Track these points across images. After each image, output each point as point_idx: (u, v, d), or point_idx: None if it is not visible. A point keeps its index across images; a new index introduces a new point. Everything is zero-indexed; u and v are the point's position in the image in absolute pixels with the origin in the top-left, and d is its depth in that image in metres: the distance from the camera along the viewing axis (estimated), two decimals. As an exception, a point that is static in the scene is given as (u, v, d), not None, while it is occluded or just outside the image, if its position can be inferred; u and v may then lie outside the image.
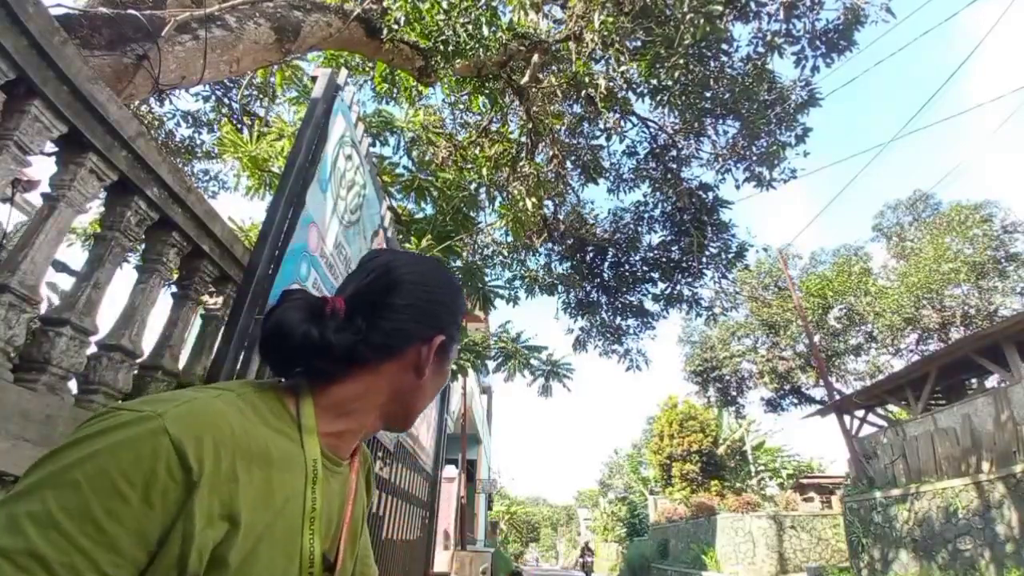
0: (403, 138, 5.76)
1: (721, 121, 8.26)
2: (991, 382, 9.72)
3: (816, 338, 17.22)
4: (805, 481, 21.42)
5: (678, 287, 9.20)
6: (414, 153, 5.73)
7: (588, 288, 9.64)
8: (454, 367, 4.89)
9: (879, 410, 13.33)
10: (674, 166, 8.89)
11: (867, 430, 12.87)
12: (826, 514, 16.13)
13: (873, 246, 22.57)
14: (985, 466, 7.95)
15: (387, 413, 0.71)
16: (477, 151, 7.01)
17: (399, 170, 4.53)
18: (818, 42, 6.71)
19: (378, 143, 5.20)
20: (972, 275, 17.07)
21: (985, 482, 7.60)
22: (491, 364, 5.21)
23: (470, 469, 19.46)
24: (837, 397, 14.46)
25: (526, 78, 6.23)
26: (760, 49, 7.12)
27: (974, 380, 10.78)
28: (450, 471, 12.21)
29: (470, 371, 6.27)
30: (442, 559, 11.10)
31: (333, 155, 1.68)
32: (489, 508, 28.70)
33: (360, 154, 2.05)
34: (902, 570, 8.94)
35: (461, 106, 7.99)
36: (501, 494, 38.27)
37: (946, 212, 19.30)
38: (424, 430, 5.32)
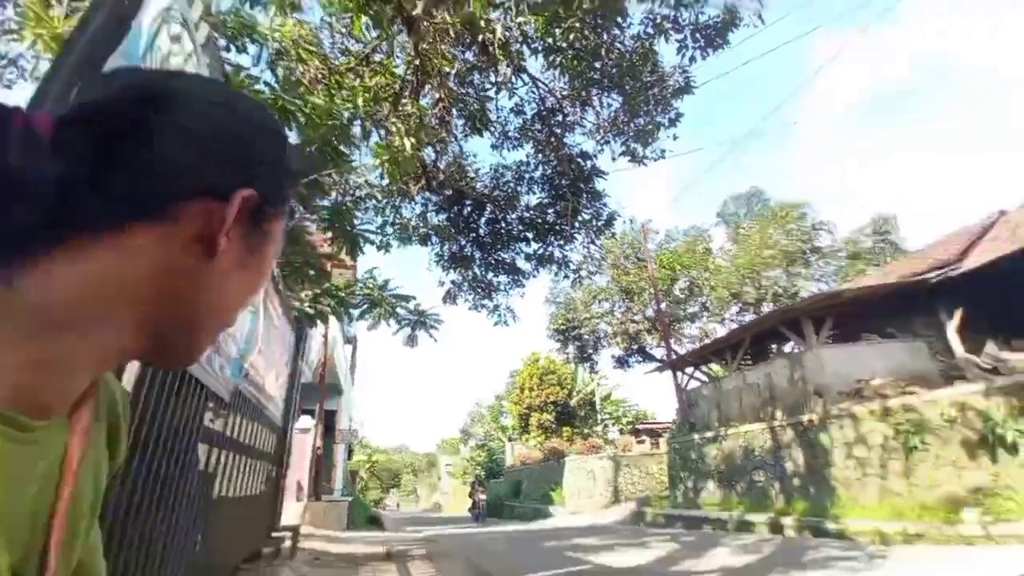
0: (267, 49, 5.00)
1: (606, 94, 8.53)
2: (789, 347, 11.80)
3: (663, 305, 19.30)
4: (640, 427, 24.47)
5: (550, 248, 9.56)
6: (279, 70, 5.02)
7: (463, 242, 9.58)
8: (311, 311, 4.53)
9: (704, 368, 15.51)
10: (558, 131, 9.04)
11: (693, 385, 14.93)
12: (654, 454, 18.63)
13: (716, 230, 25.73)
14: (779, 415, 9.72)
15: (153, 324, 0.40)
16: (355, 80, 6.39)
17: (259, 86, 3.92)
18: (699, 35, 7.16)
19: (234, 48, 4.44)
20: (784, 262, 20.50)
21: (778, 427, 9.32)
22: (355, 312, 4.93)
23: (329, 420, 18.88)
24: (674, 357, 16.47)
25: (419, 9, 5.75)
26: (649, 30, 7.41)
27: (776, 346, 12.99)
28: (305, 422, 11.67)
29: (332, 319, 5.90)
30: (294, 510, 10.72)
31: (151, 29, 1.33)
32: (349, 458, 28.34)
33: (196, 41, 1.68)
34: (708, 495, 10.72)
35: (343, 29, 7.19)
36: (363, 444, 37.96)
37: (773, 207, 22.78)
38: (273, 379, 4.92)
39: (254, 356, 4.05)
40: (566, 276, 10.21)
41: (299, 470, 11.11)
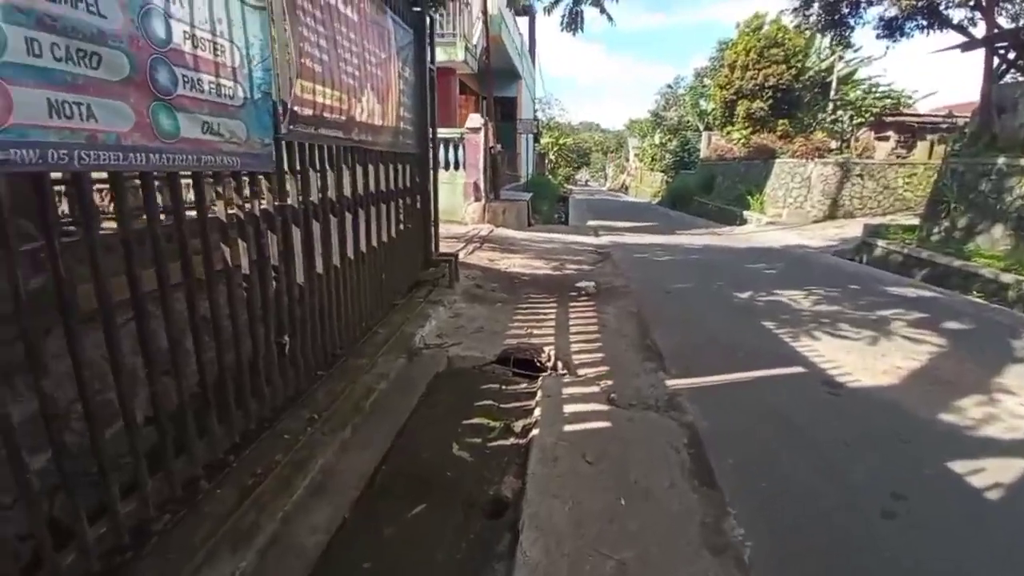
0: None
1: None
2: None
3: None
4: (889, 118, 18.70)
5: None
6: None
7: None
8: None
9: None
10: None
11: (1012, 79, 9.69)
12: (904, 162, 14.43)
13: None
14: None
15: None
16: None
17: None
18: None
19: None
20: None
21: None
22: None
23: (507, 109, 17.88)
24: (995, 31, 10.50)
25: None
26: None
27: None
28: (474, 120, 10.75)
29: None
30: (472, 212, 10.95)
31: None
32: (536, 142, 28.46)
33: None
34: (988, 243, 7.86)
35: None
36: (550, 126, 37.60)
37: None
38: (371, 100, 3.61)
39: (304, 83, 2.66)
40: None
41: (474, 172, 10.84)
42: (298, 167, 2.72)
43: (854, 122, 19.67)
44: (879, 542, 2.04)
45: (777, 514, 2.20)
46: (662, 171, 33.14)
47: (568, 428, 2.77)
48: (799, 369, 3.84)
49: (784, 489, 2.39)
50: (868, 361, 4.03)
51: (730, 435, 2.84)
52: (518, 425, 2.87)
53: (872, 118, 19.28)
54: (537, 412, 2.93)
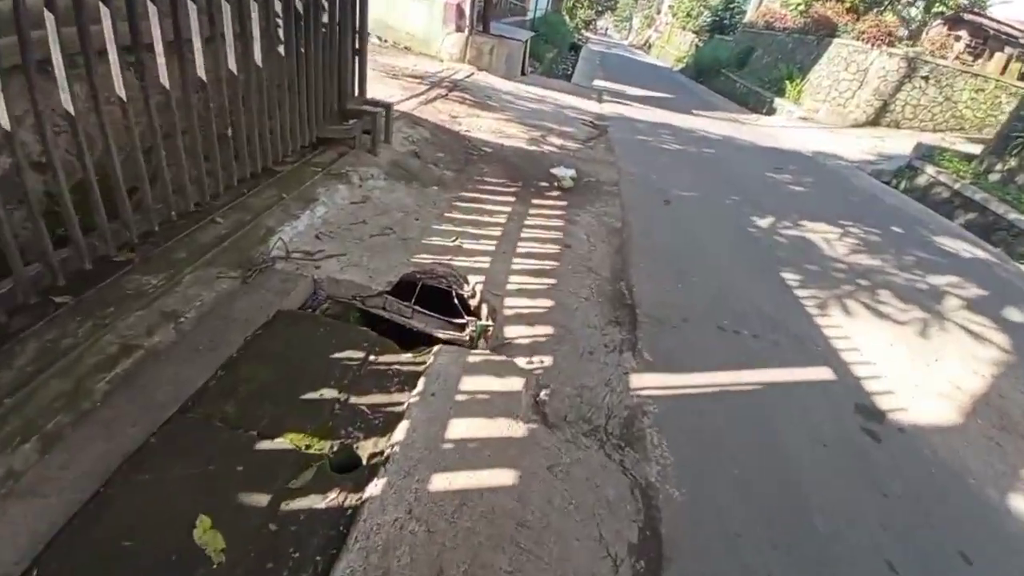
0: None
1: None
2: None
3: None
4: (968, 15, 15.49)
5: None
6: None
7: None
8: None
9: None
10: None
11: None
12: (977, 74, 12.02)
13: None
14: None
15: None
16: None
17: None
18: None
19: None
20: None
21: None
22: None
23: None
24: None
25: None
26: None
27: None
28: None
29: None
30: (451, 45, 8.64)
31: None
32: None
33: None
34: (1063, 201, 6.38)
35: None
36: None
37: None
38: None
39: None
40: None
41: (461, -12, 8.32)
42: None
43: (932, 11, 16.31)
44: None
45: None
46: (694, 31, 28.66)
47: (437, 483, 1.57)
48: (826, 374, 2.64)
49: None
50: (919, 369, 2.86)
51: (712, 524, 1.71)
52: (364, 447, 1.66)
53: (950, 11, 15.95)
54: (400, 431, 1.71)
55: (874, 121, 12.45)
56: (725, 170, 6.41)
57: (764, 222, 4.66)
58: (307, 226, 2.89)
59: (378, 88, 5.91)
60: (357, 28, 3.79)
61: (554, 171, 4.73)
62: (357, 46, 3.88)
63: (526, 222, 3.62)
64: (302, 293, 2.49)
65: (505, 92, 7.89)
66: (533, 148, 5.44)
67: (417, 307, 2.62)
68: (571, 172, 4.75)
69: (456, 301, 2.74)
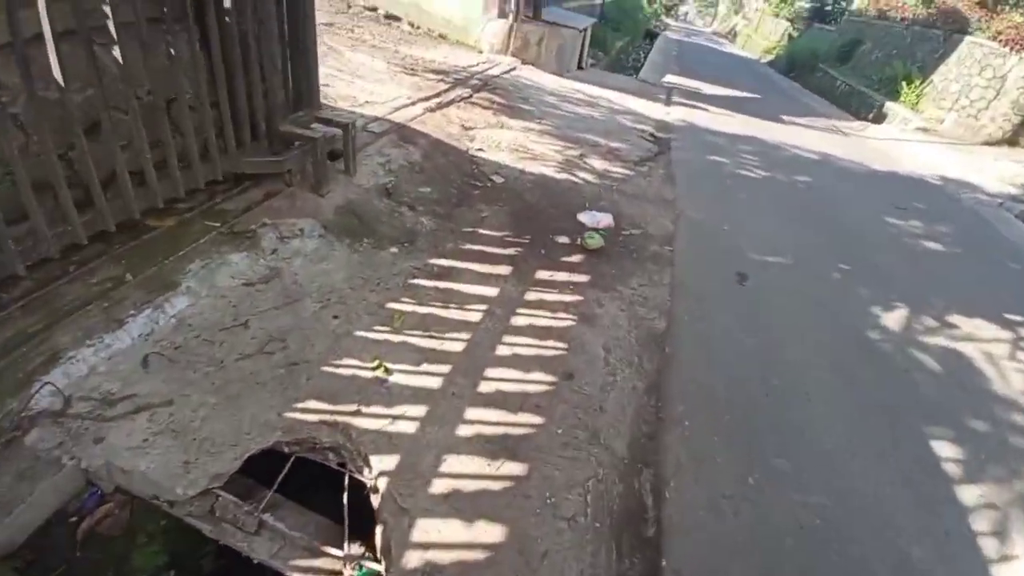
0: None
1: None
2: None
3: None
4: None
5: None
6: None
7: None
8: None
9: None
10: None
11: None
12: None
13: None
14: None
15: None
16: None
17: None
18: None
19: None
20: None
21: None
22: None
23: None
24: None
25: None
26: None
27: None
28: None
29: None
30: (491, 34, 7.36)
31: None
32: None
33: None
34: None
35: None
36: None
37: None
38: None
39: None
40: None
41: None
42: None
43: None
44: None
45: None
46: (789, 19, 25.59)
47: None
48: None
49: None
50: None
51: None
52: None
53: None
54: None
55: (1012, 140, 10.02)
56: (828, 211, 4.80)
57: (892, 319, 3.12)
58: (136, 340, 1.80)
59: (382, 88, 4.78)
60: (294, 11, 2.65)
61: (582, 218, 3.43)
62: (293, 36, 2.73)
63: (514, 320, 2.37)
64: (58, 493, 1.40)
65: (549, 92, 6.56)
66: (562, 176, 4.13)
67: (266, 515, 1.48)
68: (605, 220, 3.43)
69: (346, 492, 1.57)
